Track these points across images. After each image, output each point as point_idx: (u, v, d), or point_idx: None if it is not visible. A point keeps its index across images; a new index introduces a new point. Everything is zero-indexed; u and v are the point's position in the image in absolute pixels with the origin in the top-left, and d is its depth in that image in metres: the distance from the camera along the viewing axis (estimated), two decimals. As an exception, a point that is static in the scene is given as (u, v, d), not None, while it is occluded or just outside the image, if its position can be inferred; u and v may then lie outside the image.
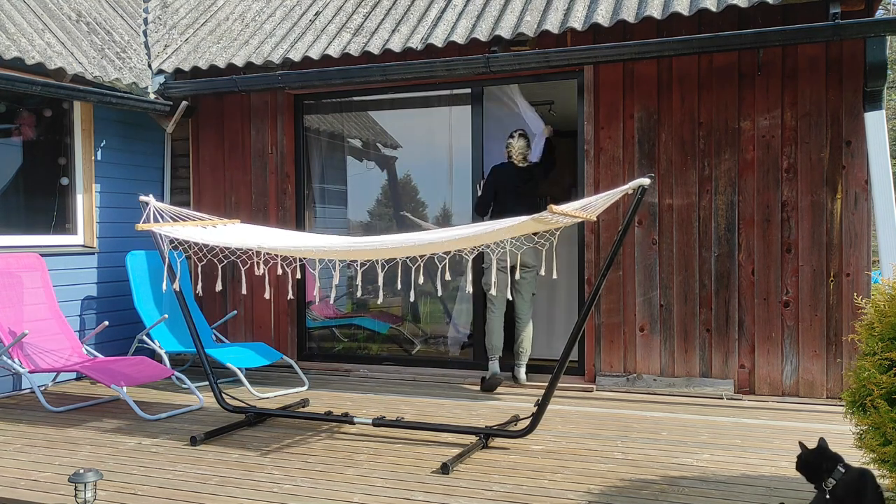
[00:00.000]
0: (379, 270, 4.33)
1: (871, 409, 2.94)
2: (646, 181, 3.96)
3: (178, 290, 4.88)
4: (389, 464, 4.00)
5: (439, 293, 4.35)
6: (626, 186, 4.01)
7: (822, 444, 2.96)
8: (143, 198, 4.90)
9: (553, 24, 5.60)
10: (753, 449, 4.22)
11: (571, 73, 6.00)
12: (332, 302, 6.98)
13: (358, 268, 4.49)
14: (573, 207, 4.01)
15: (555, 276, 4.27)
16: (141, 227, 4.75)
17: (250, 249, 4.72)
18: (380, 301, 4.72)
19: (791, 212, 5.42)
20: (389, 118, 7.24)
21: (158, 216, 4.88)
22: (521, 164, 6.08)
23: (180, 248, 5.33)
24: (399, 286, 4.57)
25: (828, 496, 2.82)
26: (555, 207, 3.77)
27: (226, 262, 5.10)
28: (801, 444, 3.03)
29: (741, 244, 5.53)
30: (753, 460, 4.01)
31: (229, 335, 6.86)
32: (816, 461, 2.91)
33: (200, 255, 5.23)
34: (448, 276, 4.23)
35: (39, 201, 6.38)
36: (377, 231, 6.92)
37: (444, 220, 6.78)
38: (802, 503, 3.25)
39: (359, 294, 4.92)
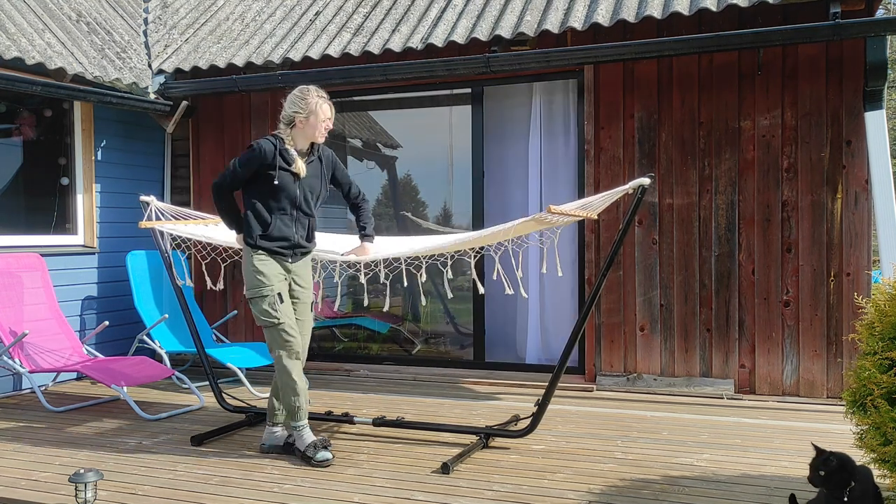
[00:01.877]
0: (382, 275, 4.31)
1: (872, 409, 2.93)
2: (646, 181, 3.96)
3: (185, 283, 4.87)
4: (390, 463, 4.00)
5: (450, 296, 4.33)
6: (626, 186, 4.01)
7: (842, 457, 2.83)
8: (143, 198, 4.90)
9: (553, 24, 5.60)
10: (754, 449, 4.22)
11: (571, 73, 6.00)
12: (335, 305, 6.98)
13: (362, 276, 4.48)
14: (572, 207, 4.02)
15: (560, 274, 4.24)
16: (144, 224, 4.75)
17: None
18: (386, 309, 4.72)
19: (791, 211, 5.42)
20: (389, 118, 7.24)
21: (160, 216, 4.89)
22: None
23: (182, 247, 5.33)
24: (405, 282, 4.54)
25: (846, 499, 2.78)
26: (553, 208, 3.78)
27: (228, 261, 5.11)
28: (818, 461, 2.83)
29: (741, 244, 5.53)
30: (754, 460, 4.01)
31: (229, 335, 6.85)
32: (840, 474, 2.78)
33: (203, 252, 5.24)
34: (450, 275, 4.22)
35: (40, 201, 6.38)
36: (378, 231, 6.91)
37: (445, 221, 6.78)
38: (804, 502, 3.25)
39: (366, 303, 4.90)
